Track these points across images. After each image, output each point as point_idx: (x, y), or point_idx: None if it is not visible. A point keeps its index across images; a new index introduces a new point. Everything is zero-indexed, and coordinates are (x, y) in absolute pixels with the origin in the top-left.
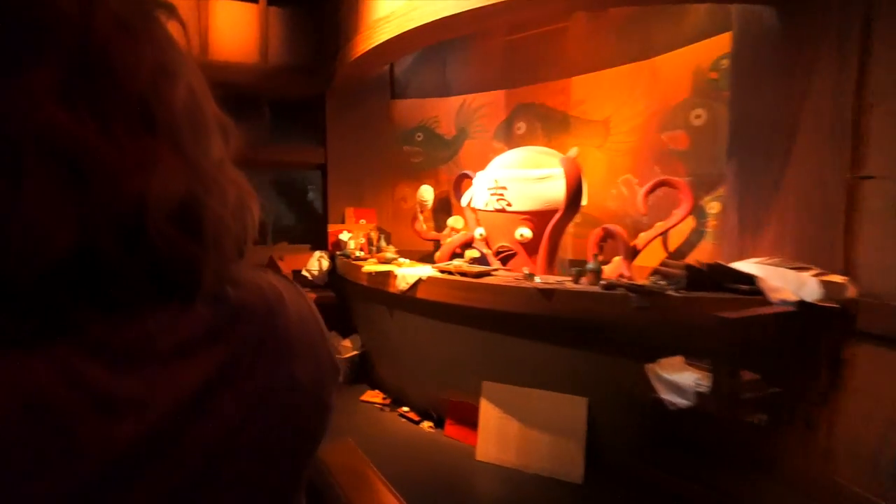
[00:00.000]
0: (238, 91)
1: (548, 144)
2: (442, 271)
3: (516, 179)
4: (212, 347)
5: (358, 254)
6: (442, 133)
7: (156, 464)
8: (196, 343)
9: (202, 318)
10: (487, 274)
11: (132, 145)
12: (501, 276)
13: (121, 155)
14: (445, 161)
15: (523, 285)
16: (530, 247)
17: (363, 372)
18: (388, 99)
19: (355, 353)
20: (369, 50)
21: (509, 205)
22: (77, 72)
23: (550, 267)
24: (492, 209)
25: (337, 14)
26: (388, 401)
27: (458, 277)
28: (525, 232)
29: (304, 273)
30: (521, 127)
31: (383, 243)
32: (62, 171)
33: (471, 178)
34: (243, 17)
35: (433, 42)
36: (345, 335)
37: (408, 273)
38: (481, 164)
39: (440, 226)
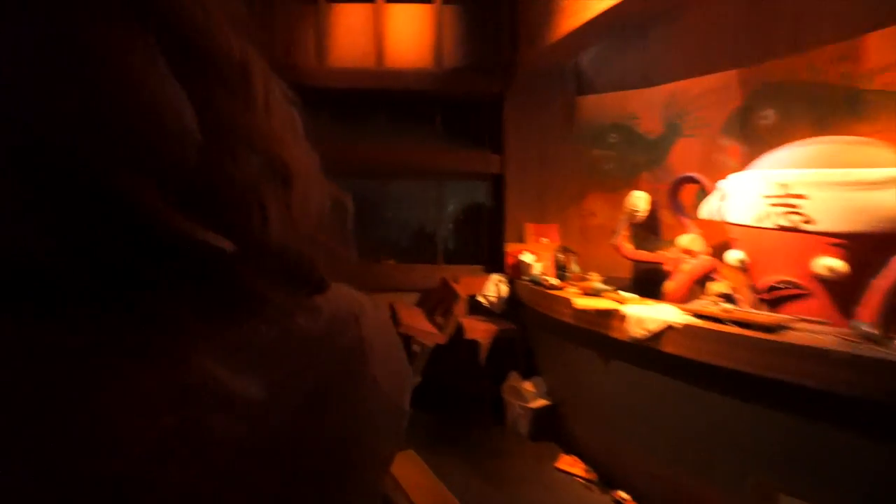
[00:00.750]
0: (411, 97)
1: (821, 134)
2: (701, 316)
3: (824, 184)
4: (314, 355)
5: (551, 281)
6: (644, 132)
7: (262, 464)
8: (300, 350)
9: (304, 326)
10: (785, 327)
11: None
12: (809, 331)
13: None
14: (649, 166)
15: (865, 352)
16: (839, 288)
17: (549, 426)
18: (574, 96)
19: (544, 403)
20: (576, 29)
21: (809, 221)
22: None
23: (891, 324)
24: (773, 226)
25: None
26: (592, 475)
27: (732, 329)
28: (834, 264)
29: (480, 299)
30: (767, 116)
31: (575, 267)
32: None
33: (699, 184)
34: (418, 20)
35: (658, 8)
36: (525, 376)
37: (646, 316)
38: (703, 169)
39: (637, 247)
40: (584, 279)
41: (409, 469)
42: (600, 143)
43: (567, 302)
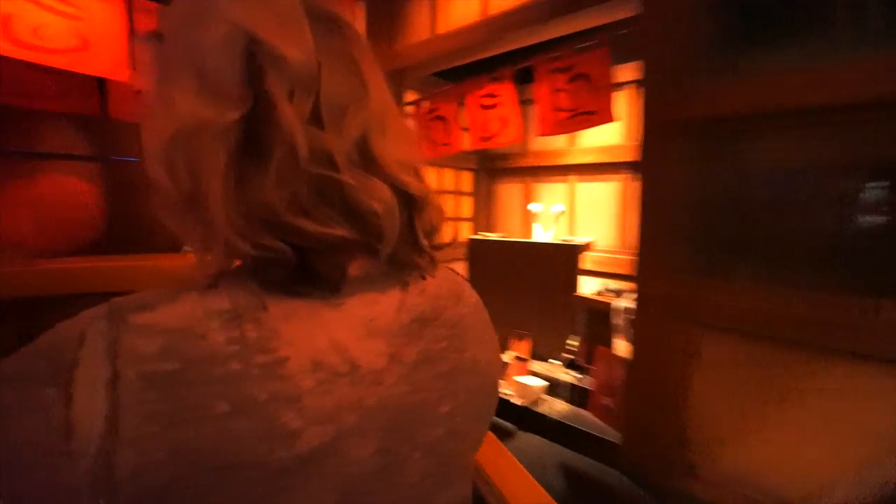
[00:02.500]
0: None
1: None
2: None
3: None
4: (423, 330)
5: None
6: None
7: (379, 424)
8: (412, 324)
9: (416, 302)
10: None
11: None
12: None
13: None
14: None
15: None
16: None
17: None
18: None
19: None
20: None
21: None
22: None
23: None
24: None
25: None
26: None
27: None
28: None
29: None
30: None
31: None
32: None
33: None
34: None
35: None
36: None
37: None
38: None
39: None
40: None
41: (492, 455)
42: None
43: None
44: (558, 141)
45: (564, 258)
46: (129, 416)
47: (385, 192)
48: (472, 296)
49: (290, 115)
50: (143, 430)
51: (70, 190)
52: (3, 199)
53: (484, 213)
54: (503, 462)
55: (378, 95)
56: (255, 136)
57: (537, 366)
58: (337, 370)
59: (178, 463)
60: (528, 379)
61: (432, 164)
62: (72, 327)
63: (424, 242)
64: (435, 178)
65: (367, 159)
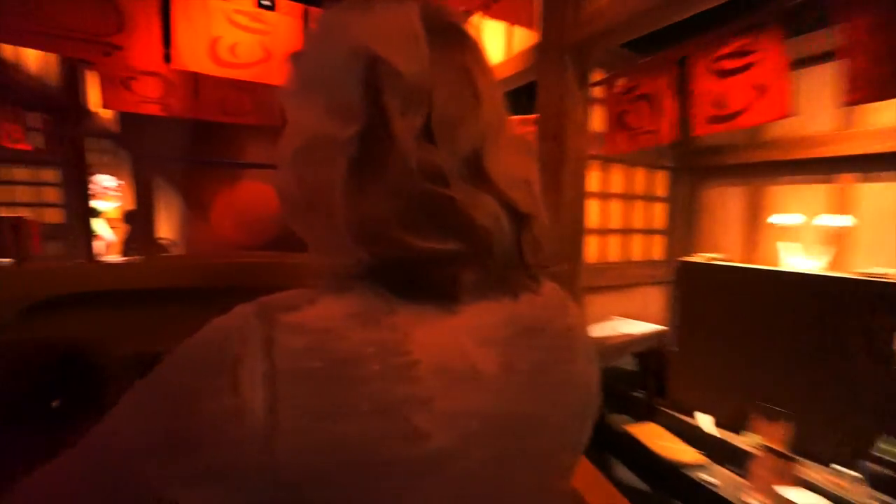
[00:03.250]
0: None
1: None
2: None
3: None
4: (532, 340)
5: None
6: None
7: (496, 432)
8: (522, 334)
9: (525, 313)
10: None
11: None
12: None
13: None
14: None
15: None
16: None
17: None
18: None
19: None
20: None
21: None
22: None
23: None
24: None
25: None
26: None
27: None
28: None
29: None
30: None
31: None
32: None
33: None
34: None
35: None
36: None
37: None
38: None
39: None
40: None
41: (591, 483)
42: None
43: None
44: (818, 122)
45: (868, 302)
46: (286, 409)
47: (494, 207)
48: (576, 309)
49: (403, 130)
50: (298, 422)
51: (260, 193)
52: (214, 203)
53: (683, 225)
54: (603, 492)
55: (491, 108)
56: (371, 151)
57: (809, 470)
58: (461, 375)
59: (327, 455)
60: (800, 495)
61: (615, 160)
62: (231, 323)
63: (530, 259)
64: (620, 179)
65: (477, 174)
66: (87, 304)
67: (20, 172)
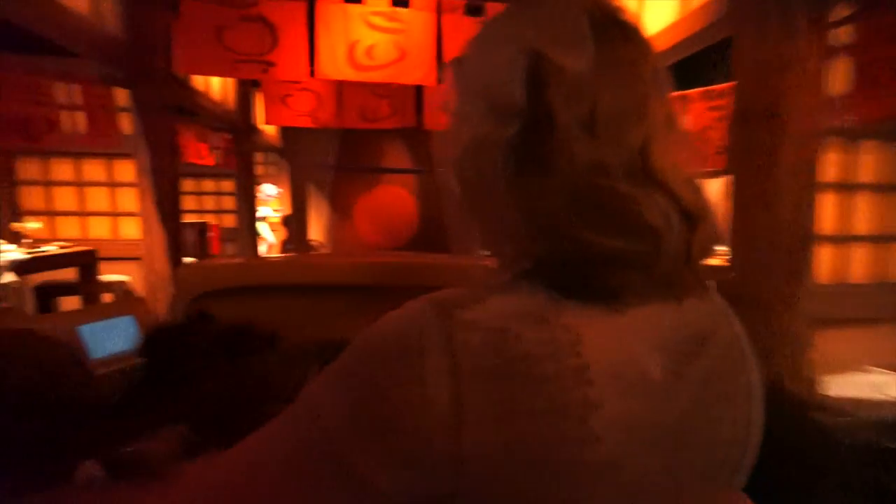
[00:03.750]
0: None
1: None
2: None
3: None
4: (701, 347)
5: None
6: None
7: (666, 442)
8: (690, 340)
9: (693, 319)
10: None
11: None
12: None
13: None
14: None
15: None
16: None
17: None
18: None
19: None
20: None
21: None
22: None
23: None
24: None
25: None
26: None
27: None
28: None
29: None
30: None
31: None
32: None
33: None
34: None
35: None
36: None
37: None
38: None
39: None
40: None
41: None
42: None
43: None
44: None
45: None
46: (469, 403)
47: (664, 205)
48: (737, 318)
49: (568, 126)
50: (480, 417)
51: (397, 197)
52: (357, 207)
53: None
54: None
55: (659, 103)
56: (536, 147)
57: None
58: (632, 380)
59: (507, 453)
60: None
61: (866, 136)
62: (408, 318)
63: (699, 262)
64: (872, 164)
65: (646, 171)
66: (255, 295)
67: (207, 184)
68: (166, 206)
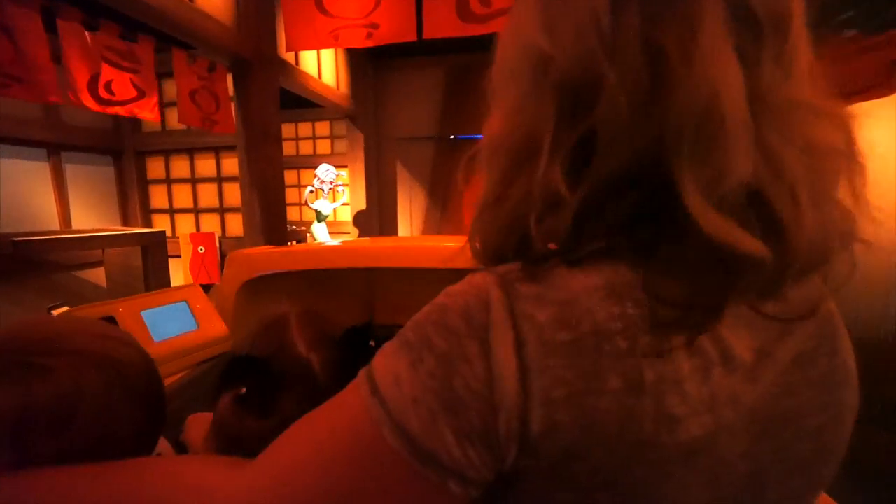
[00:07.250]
0: None
1: None
2: None
3: None
4: (792, 324)
5: None
6: None
7: (750, 426)
8: (770, 324)
9: (801, 295)
10: None
11: None
12: None
13: None
14: None
15: None
16: None
17: None
18: None
19: None
20: None
21: None
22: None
23: None
24: None
25: None
26: None
27: None
28: None
29: None
30: None
31: None
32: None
33: None
34: None
35: None
36: None
37: None
38: None
39: None
40: None
41: None
42: None
43: None
44: None
45: None
46: (537, 380)
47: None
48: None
49: (617, 97)
50: (550, 394)
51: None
52: (468, 196)
53: None
54: None
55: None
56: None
57: None
58: (712, 357)
59: (581, 430)
60: None
61: None
62: (471, 292)
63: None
64: None
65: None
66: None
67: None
68: (269, 197)
